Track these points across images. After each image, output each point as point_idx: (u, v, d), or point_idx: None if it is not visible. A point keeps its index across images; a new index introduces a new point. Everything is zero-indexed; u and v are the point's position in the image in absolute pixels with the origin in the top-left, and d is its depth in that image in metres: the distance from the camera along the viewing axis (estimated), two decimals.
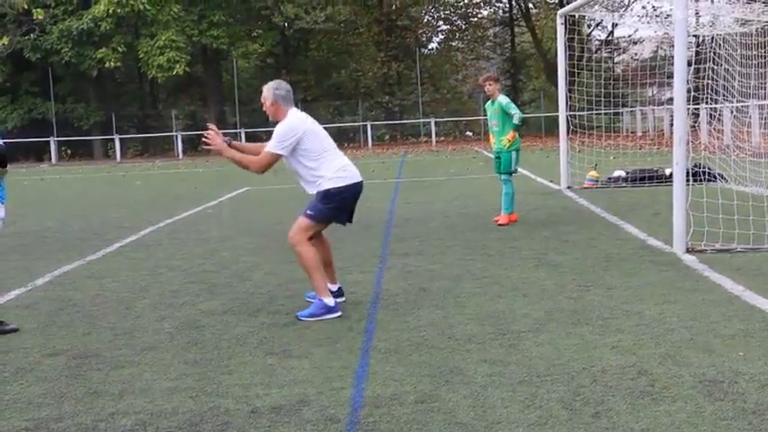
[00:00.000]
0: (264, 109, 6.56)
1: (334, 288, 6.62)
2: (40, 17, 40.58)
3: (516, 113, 10.89)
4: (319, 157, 6.43)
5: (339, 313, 6.26)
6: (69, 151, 46.66)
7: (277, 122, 6.47)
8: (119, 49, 41.74)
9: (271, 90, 6.49)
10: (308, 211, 6.47)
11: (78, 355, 5.52)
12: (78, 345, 5.78)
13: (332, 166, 6.45)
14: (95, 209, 15.86)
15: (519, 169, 11.74)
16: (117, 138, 42.75)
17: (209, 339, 5.80)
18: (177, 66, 41.29)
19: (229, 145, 6.53)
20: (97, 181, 26.03)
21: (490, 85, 11.21)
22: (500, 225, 10.89)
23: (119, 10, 39.91)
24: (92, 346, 5.75)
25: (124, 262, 9.32)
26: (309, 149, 6.40)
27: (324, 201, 6.42)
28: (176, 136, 44.11)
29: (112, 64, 41.75)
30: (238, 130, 44.12)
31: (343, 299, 6.68)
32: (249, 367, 5.09)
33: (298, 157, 6.42)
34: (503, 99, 11.07)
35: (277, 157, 6.39)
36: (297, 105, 6.73)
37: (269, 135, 6.46)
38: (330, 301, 6.30)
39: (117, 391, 4.72)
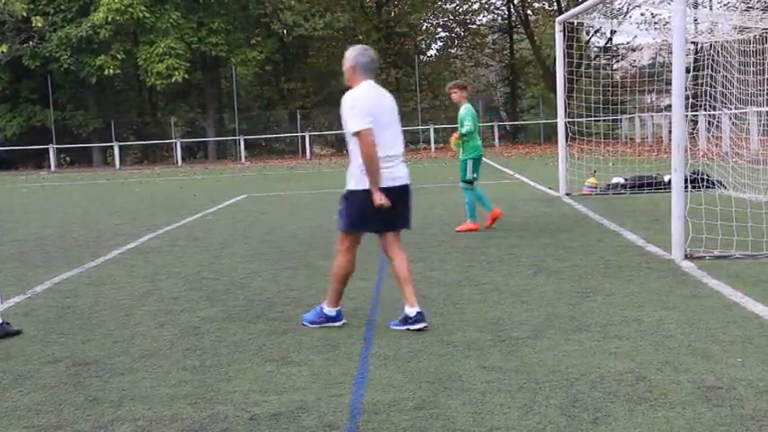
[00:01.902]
0: (344, 69, 6.04)
1: (413, 313, 5.96)
2: (39, 25, 40.74)
3: (466, 126, 11.04)
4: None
5: (341, 322, 6.16)
6: (68, 159, 46.74)
7: (348, 89, 5.95)
8: (118, 56, 41.83)
9: (354, 52, 5.97)
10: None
11: (78, 362, 5.52)
12: (78, 352, 5.79)
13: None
14: (94, 216, 15.87)
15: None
16: (116, 145, 42.81)
17: (208, 346, 5.80)
18: (176, 73, 41.37)
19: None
20: (96, 188, 26.04)
21: (455, 93, 11.37)
22: (456, 231, 11.09)
23: (118, 17, 40.02)
24: (91, 353, 5.75)
25: (123, 269, 9.32)
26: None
27: (346, 202, 6.01)
28: (175, 143, 44.17)
29: (112, 71, 41.83)
30: (237, 137, 44.16)
31: (422, 325, 5.91)
32: (248, 374, 5.09)
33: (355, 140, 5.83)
34: (462, 110, 11.23)
35: (368, 133, 5.71)
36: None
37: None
38: (331, 310, 6.16)
39: (116, 398, 4.73)
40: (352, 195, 5.94)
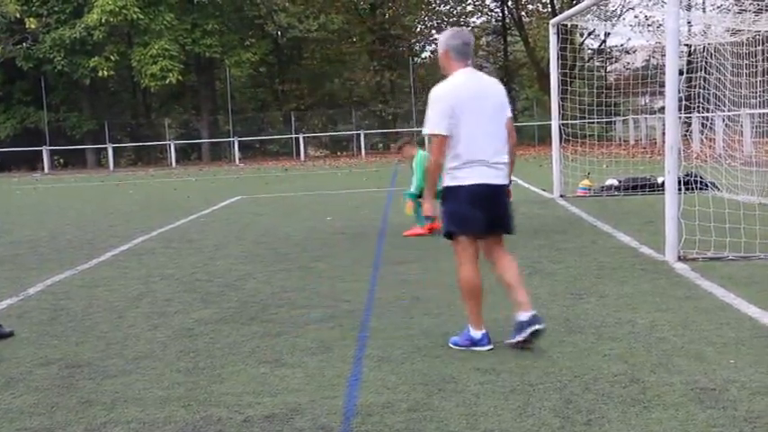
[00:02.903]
0: (439, 58, 5.57)
1: (526, 317, 5.35)
2: (33, 26, 40.69)
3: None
4: (458, 143, 5.24)
5: (488, 347, 5.35)
6: (62, 160, 46.68)
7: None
8: (112, 57, 41.80)
9: (444, 36, 5.47)
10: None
11: (70, 364, 5.51)
12: (70, 354, 5.77)
13: (458, 157, 5.27)
14: (88, 218, 15.84)
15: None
16: (110, 147, 42.77)
17: (201, 348, 5.79)
18: (170, 74, 41.35)
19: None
20: (90, 190, 25.99)
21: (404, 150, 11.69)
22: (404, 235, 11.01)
23: (112, 19, 39.97)
24: (84, 355, 5.74)
25: (117, 271, 9.30)
26: (455, 127, 5.22)
27: (443, 203, 5.44)
28: (169, 145, 44.12)
29: (105, 73, 41.79)
30: (231, 139, 44.14)
31: (536, 327, 5.32)
32: (242, 376, 5.09)
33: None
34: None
35: (442, 141, 5.20)
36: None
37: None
38: (476, 333, 5.38)
39: (109, 401, 4.71)
40: (447, 194, 5.37)
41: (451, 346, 5.45)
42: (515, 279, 5.48)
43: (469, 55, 5.40)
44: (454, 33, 5.46)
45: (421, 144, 11.56)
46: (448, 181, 5.30)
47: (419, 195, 10.99)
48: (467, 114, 5.19)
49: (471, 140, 5.21)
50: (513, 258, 5.63)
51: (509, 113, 5.51)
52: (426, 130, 5.27)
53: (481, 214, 5.29)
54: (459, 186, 5.25)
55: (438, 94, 5.30)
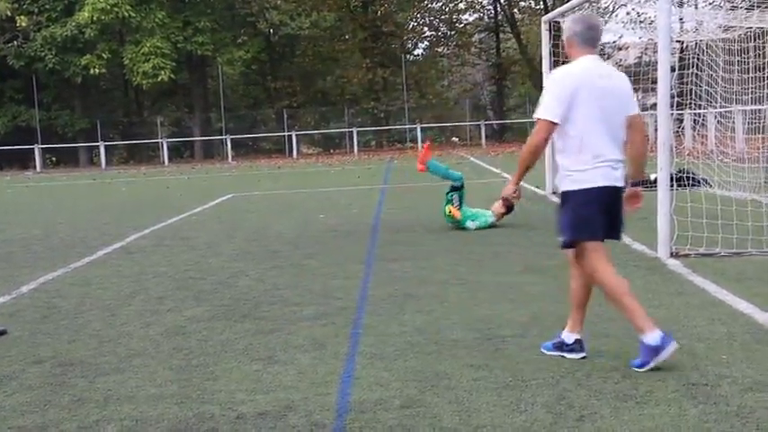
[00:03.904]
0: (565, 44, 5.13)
1: (570, 340, 5.13)
2: (24, 24, 40.57)
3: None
4: (577, 136, 4.83)
5: (673, 346, 4.74)
6: (54, 159, 46.55)
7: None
8: (103, 55, 41.71)
9: (569, 22, 5.10)
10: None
11: (63, 362, 5.50)
12: (63, 352, 5.76)
13: (580, 156, 4.84)
14: (80, 216, 15.81)
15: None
16: (102, 145, 42.67)
17: (194, 346, 5.78)
18: (162, 72, 41.27)
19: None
20: (82, 188, 25.94)
21: None
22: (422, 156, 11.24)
23: (103, 17, 39.89)
24: (76, 353, 5.73)
25: (109, 269, 9.28)
26: (572, 120, 4.82)
27: (560, 208, 5.04)
28: (162, 143, 44.03)
29: (97, 71, 41.70)
30: (224, 137, 44.09)
31: (579, 355, 5.06)
32: (235, 373, 5.08)
33: (564, 127, 4.87)
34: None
35: (547, 127, 4.84)
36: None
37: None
38: (651, 337, 4.73)
39: (102, 399, 4.71)
40: (567, 198, 4.95)
41: (638, 370, 4.73)
42: (585, 300, 5.17)
43: (596, 41, 5.00)
44: (579, 18, 5.07)
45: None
46: (568, 184, 4.90)
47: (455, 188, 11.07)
48: (588, 105, 4.78)
49: (592, 137, 4.81)
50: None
51: (636, 108, 5.04)
52: (538, 113, 4.87)
53: (604, 219, 4.91)
54: (583, 189, 4.84)
55: (557, 77, 4.91)
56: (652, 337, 4.71)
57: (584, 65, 4.91)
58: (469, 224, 11.09)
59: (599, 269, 4.90)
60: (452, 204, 11.18)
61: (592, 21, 5.03)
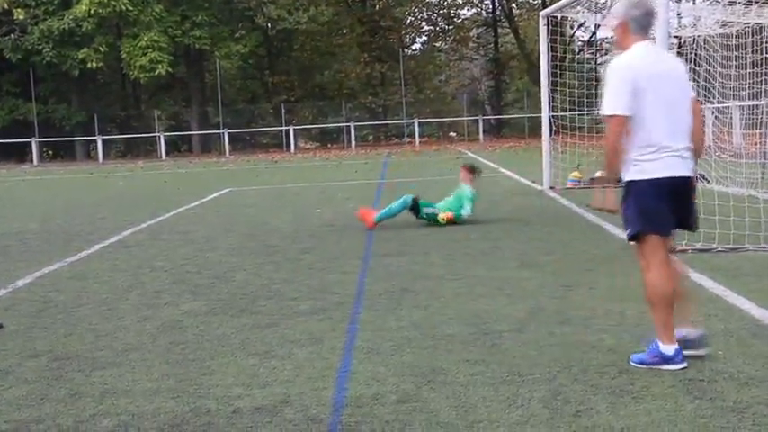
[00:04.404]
0: (613, 31, 4.94)
1: (682, 334, 4.82)
2: (21, 17, 40.48)
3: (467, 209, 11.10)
4: (642, 126, 4.62)
5: (681, 365, 4.65)
6: (51, 152, 46.51)
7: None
8: (101, 49, 41.63)
9: (623, 6, 4.82)
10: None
11: (59, 356, 5.49)
12: (59, 346, 5.75)
13: (645, 146, 4.65)
14: (77, 210, 15.79)
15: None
16: (99, 139, 42.62)
17: (191, 340, 5.78)
18: (160, 66, 41.21)
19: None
20: (79, 182, 25.91)
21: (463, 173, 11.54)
22: (360, 216, 11.03)
23: (100, 10, 39.81)
24: (73, 347, 5.72)
25: (106, 263, 9.28)
26: (636, 110, 4.60)
27: (626, 199, 4.78)
28: (159, 137, 43.99)
29: (94, 64, 41.63)
30: (221, 131, 44.05)
31: (700, 351, 4.83)
32: (231, 368, 5.08)
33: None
34: (469, 191, 11.27)
35: (621, 121, 4.59)
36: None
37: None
38: (668, 348, 4.66)
39: (98, 393, 4.70)
40: (630, 189, 4.75)
41: (636, 365, 4.73)
42: (686, 288, 4.96)
43: (651, 27, 4.81)
44: (635, 3, 4.77)
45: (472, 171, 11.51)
46: (633, 173, 4.68)
47: (412, 208, 11.04)
48: (650, 93, 4.58)
49: (655, 125, 4.62)
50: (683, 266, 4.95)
51: (693, 93, 4.93)
52: (606, 110, 4.63)
53: (670, 211, 4.70)
54: (646, 180, 4.64)
55: (617, 68, 4.68)
56: (670, 347, 4.66)
57: (642, 52, 4.71)
58: (464, 212, 11.05)
59: (651, 266, 4.73)
60: (439, 216, 11.06)
61: (649, 6, 4.81)
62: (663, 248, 4.74)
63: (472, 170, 11.53)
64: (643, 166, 4.64)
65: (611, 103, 4.61)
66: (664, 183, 4.64)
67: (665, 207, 4.68)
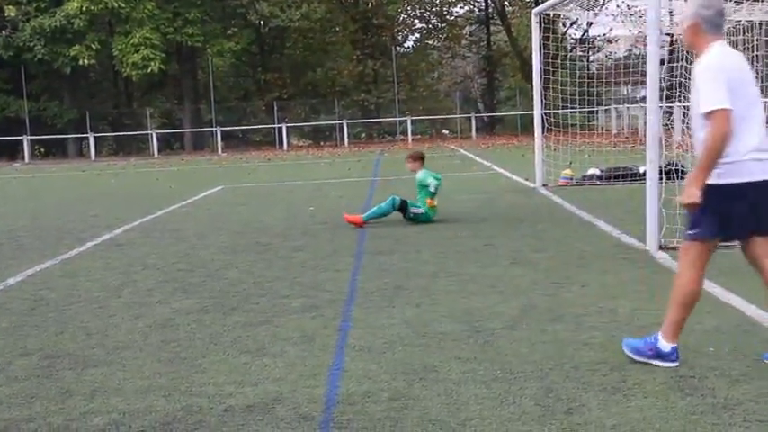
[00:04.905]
0: (682, 31, 4.79)
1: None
2: (12, 14, 40.32)
3: (432, 183, 11.17)
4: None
5: (674, 364, 4.68)
6: (43, 150, 46.33)
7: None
8: (93, 46, 41.48)
9: (693, 6, 4.66)
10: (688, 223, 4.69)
11: (50, 354, 5.48)
12: (50, 344, 5.74)
13: (738, 145, 4.46)
14: (69, 208, 15.75)
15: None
16: (91, 136, 42.49)
17: (183, 338, 5.77)
18: (152, 63, 41.09)
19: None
20: (71, 180, 25.83)
21: (409, 164, 11.68)
22: (349, 221, 11.04)
23: (92, 7, 39.68)
24: (64, 345, 5.71)
25: (98, 261, 9.25)
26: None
27: (704, 200, 4.53)
28: (151, 134, 43.88)
29: (86, 62, 41.48)
30: (214, 129, 43.96)
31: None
32: (223, 366, 5.07)
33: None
34: (421, 174, 11.38)
35: (727, 115, 4.37)
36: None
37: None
38: (666, 345, 4.70)
39: (89, 391, 4.69)
40: (710, 190, 4.52)
41: (628, 354, 4.78)
42: None
43: (723, 27, 4.69)
44: (706, 2, 4.63)
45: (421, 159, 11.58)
46: (714, 177, 4.50)
47: (400, 208, 11.07)
48: (735, 94, 4.44)
49: (743, 127, 4.46)
50: None
51: None
52: (708, 106, 4.42)
53: (751, 215, 4.56)
54: (729, 184, 4.51)
55: (709, 67, 4.50)
56: (668, 345, 4.68)
57: (724, 52, 4.60)
58: (432, 189, 11.12)
59: (691, 267, 4.65)
60: (427, 205, 11.12)
61: (720, 4, 4.69)
62: (708, 253, 4.70)
63: (416, 158, 11.66)
64: (726, 168, 4.49)
65: (713, 98, 4.41)
66: (747, 187, 4.51)
67: (744, 213, 4.56)
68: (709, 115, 4.42)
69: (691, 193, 4.53)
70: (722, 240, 4.76)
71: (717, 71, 4.46)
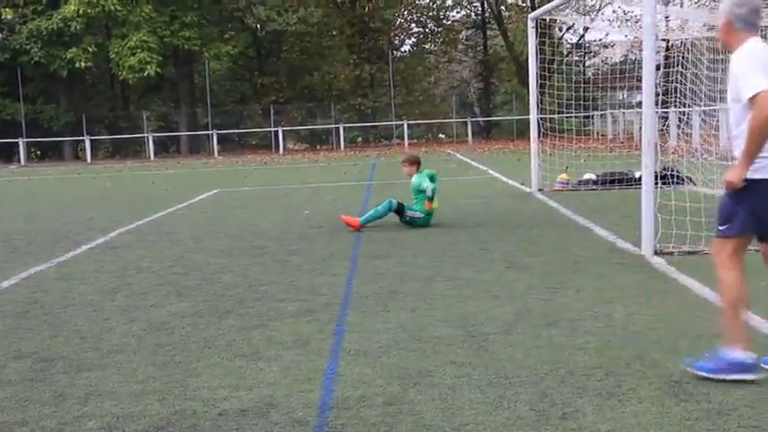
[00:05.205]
0: (719, 29, 4.78)
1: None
2: (9, 17, 40.29)
3: (429, 187, 11.12)
4: None
5: (756, 375, 4.48)
6: (39, 153, 46.29)
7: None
8: (89, 49, 41.48)
9: (728, 4, 4.63)
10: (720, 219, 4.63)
11: (44, 358, 5.46)
12: (44, 348, 5.72)
13: None
14: (65, 210, 15.72)
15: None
16: (87, 139, 42.45)
17: (177, 342, 5.76)
18: (149, 67, 41.07)
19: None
20: (67, 182, 25.80)
21: (405, 167, 11.70)
22: (346, 223, 11.09)
23: (89, 10, 39.66)
24: (58, 348, 5.69)
25: (93, 264, 9.23)
26: None
27: (741, 195, 4.48)
28: (147, 137, 43.85)
29: (83, 64, 41.47)
30: (210, 132, 43.94)
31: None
32: (217, 369, 5.06)
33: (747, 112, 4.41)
34: (416, 178, 11.39)
35: None
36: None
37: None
38: (742, 354, 4.48)
39: (83, 395, 4.68)
40: (751, 186, 4.45)
41: (703, 374, 4.53)
42: None
43: (759, 25, 4.63)
44: (740, 1, 4.58)
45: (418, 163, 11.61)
46: (754, 171, 4.43)
47: (397, 211, 11.08)
48: None
49: None
50: None
51: None
52: (750, 92, 4.32)
53: None
54: (764, 179, 4.43)
55: (745, 56, 4.47)
56: (744, 354, 4.48)
57: (758, 44, 4.53)
58: (429, 193, 11.07)
59: (731, 266, 4.58)
60: (425, 208, 11.13)
61: (755, 2, 4.62)
62: (744, 249, 4.63)
63: (412, 162, 11.67)
64: (766, 162, 4.41)
65: (754, 81, 4.33)
66: None
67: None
68: (752, 101, 4.34)
69: (737, 173, 4.45)
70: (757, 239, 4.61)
71: (753, 59, 4.41)
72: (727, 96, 4.70)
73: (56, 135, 44.51)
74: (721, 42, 4.77)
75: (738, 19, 4.58)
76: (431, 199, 11.12)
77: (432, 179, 11.27)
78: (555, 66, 19.82)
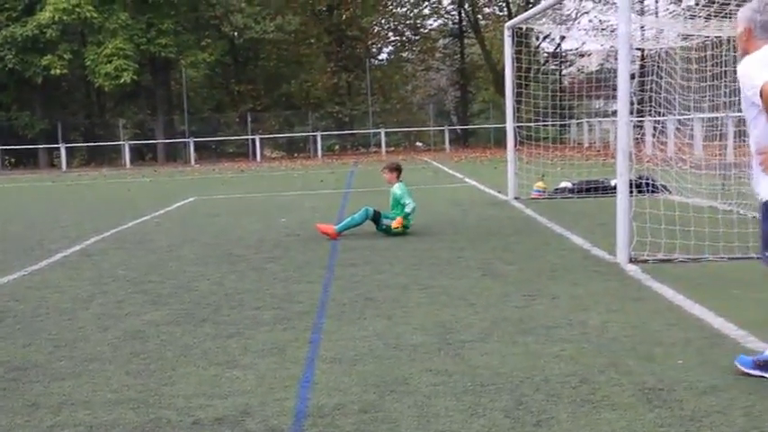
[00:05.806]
0: (737, 35, 4.68)
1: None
2: None
3: (409, 204, 11.09)
4: None
5: None
6: (13, 160, 45.85)
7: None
8: (65, 56, 41.17)
9: (748, 12, 4.55)
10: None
11: (17, 366, 5.41)
12: (17, 356, 5.67)
13: None
14: (39, 218, 15.60)
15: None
16: (63, 146, 42.16)
17: (152, 350, 5.72)
18: (125, 74, 40.86)
19: None
20: (41, 190, 25.61)
21: (385, 174, 11.68)
22: (322, 232, 11.06)
23: (65, 17, 39.41)
24: (31, 357, 5.64)
25: (67, 272, 9.17)
26: None
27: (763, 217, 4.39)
28: (124, 145, 43.59)
29: (58, 72, 41.13)
30: (187, 140, 43.76)
31: None
32: (193, 378, 5.04)
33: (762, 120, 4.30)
34: (397, 189, 11.36)
35: None
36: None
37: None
38: None
39: (56, 404, 4.64)
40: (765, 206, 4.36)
41: (740, 366, 4.60)
42: None
43: None
44: (760, 7, 4.51)
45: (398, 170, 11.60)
46: None
47: (373, 219, 11.09)
48: None
49: None
50: None
51: None
52: (758, 82, 4.21)
53: None
54: None
55: (752, 60, 4.38)
56: None
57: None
58: (408, 210, 11.04)
59: None
60: (391, 225, 11.10)
61: None
62: None
63: (393, 169, 11.67)
64: None
65: (760, 74, 4.23)
66: None
67: None
68: (761, 97, 4.23)
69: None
70: None
71: (758, 60, 4.35)
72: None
73: (31, 142, 44.12)
74: (740, 50, 4.65)
75: (758, 26, 4.50)
76: (405, 216, 11.08)
77: (413, 206, 11.17)
78: (531, 74, 19.89)
